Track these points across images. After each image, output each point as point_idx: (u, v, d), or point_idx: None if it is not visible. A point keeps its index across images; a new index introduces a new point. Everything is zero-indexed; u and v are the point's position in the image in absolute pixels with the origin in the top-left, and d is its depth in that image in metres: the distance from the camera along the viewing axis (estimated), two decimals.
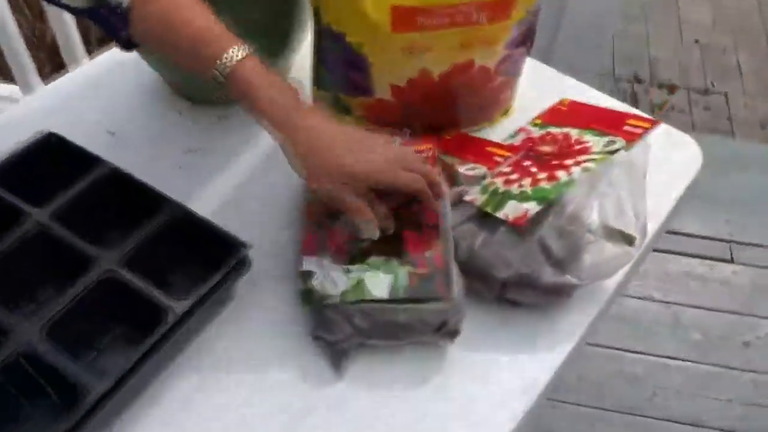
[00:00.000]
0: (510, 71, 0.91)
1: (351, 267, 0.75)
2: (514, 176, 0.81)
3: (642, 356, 1.68)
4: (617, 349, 1.69)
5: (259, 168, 0.91)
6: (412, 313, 0.72)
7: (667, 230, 0.92)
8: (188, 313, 0.71)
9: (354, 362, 0.74)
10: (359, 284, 0.73)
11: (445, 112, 0.91)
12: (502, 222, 0.76)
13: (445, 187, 0.77)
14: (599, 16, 1.69)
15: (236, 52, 0.70)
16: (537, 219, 0.76)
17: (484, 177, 0.83)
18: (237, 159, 0.92)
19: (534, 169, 0.80)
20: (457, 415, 0.71)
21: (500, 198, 0.78)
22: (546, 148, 0.84)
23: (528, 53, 0.92)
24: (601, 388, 1.62)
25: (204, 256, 0.76)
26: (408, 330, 0.73)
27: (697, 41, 2.62)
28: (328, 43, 0.87)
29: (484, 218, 0.78)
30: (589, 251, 0.76)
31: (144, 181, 0.79)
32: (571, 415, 1.57)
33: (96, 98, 1.00)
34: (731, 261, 1.86)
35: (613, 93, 1.02)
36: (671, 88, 2.46)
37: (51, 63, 1.87)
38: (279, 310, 0.77)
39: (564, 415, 1.57)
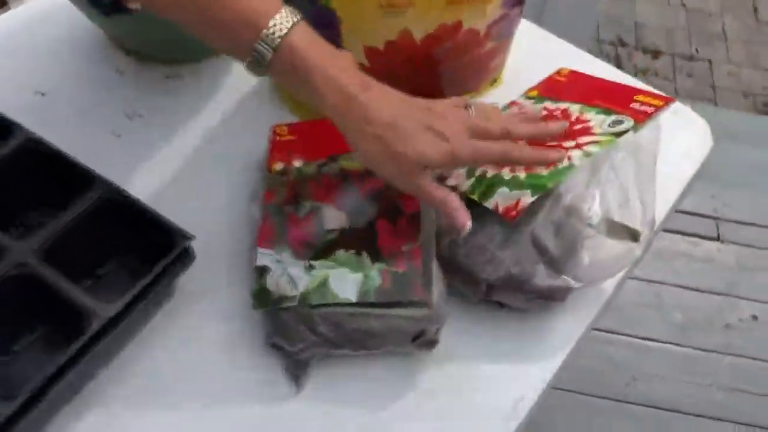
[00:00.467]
0: (503, 34, 0.80)
1: (314, 263, 0.64)
2: None
3: (622, 337, 1.61)
4: (595, 329, 1.61)
5: (213, 139, 0.79)
6: (385, 321, 0.62)
7: None
8: (117, 318, 0.59)
9: (315, 374, 0.64)
10: (323, 284, 0.62)
11: (427, 81, 0.80)
12: (491, 213, 0.66)
13: None
14: None
15: (285, 18, 0.58)
16: (531, 210, 0.65)
17: None
18: (186, 127, 0.80)
19: None
20: None
21: (489, 184, 0.68)
22: None
23: (521, 14, 0.80)
24: (579, 372, 1.54)
25: (142, 244, 0.65)
26: (379, 339, 0.62)
27: (684, 5, 2.52)
28: None
29: (470, 207, 0.67)
30: (588, 248, 0.66)
31: (68, 154, 0.67)
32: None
33: (21, 52, 0.86)
34: (717, 239, 1.79)
35: (596, 56, 0.91)
36: (655, 54, 2.37)
37: None
38: (228, 312, 0.66)
39: None
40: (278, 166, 0.72)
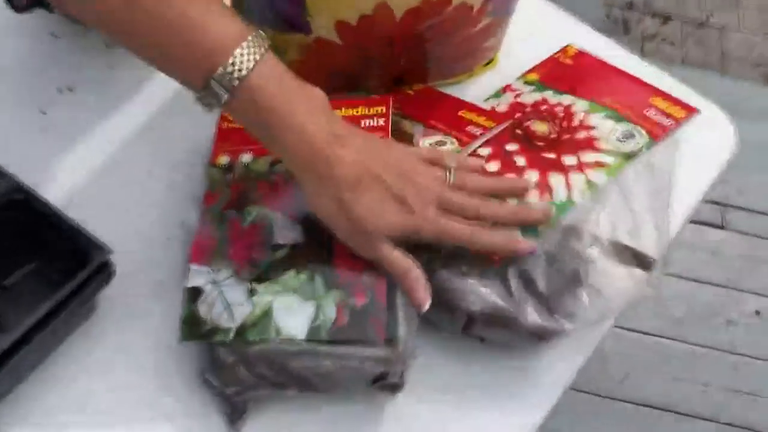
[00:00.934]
0: (498, 10, 0.68)
1: (257, 286, 0.53)
2: (493, 166, 0.58)
3: (615, 330, 1.51)
4: None
5: (154, 123, 0.67)
6: (339, 360, 0.51)
7: None
8: (18, 344, 0.49)
9: (257, 413, 0.53)
10: (265, 315, 0.52)
11: (409, 62, 0.68)
12: None
13: None
14: None
15: (247, 52, 0.48)
16: None
17: None
18: (123, 107, 0.68)
19: (521, 162, 0.58)
20: None
21: None
22: (540, 128, 0.61)
23: None
24: None
25: (56, 252, 0.54)
26: (332, 382, 0.52)
27: None
28: None
29: None
30: (589, 281, 0.55)
31: None
32: None
33: None
34: (722, 227, 1.68)
35: (603, 22, 0.79)
36: (665, 19, 2.23)
37: None
38: (155, 339, 0.55)
39: None
40: (223, 159, 0.61)
